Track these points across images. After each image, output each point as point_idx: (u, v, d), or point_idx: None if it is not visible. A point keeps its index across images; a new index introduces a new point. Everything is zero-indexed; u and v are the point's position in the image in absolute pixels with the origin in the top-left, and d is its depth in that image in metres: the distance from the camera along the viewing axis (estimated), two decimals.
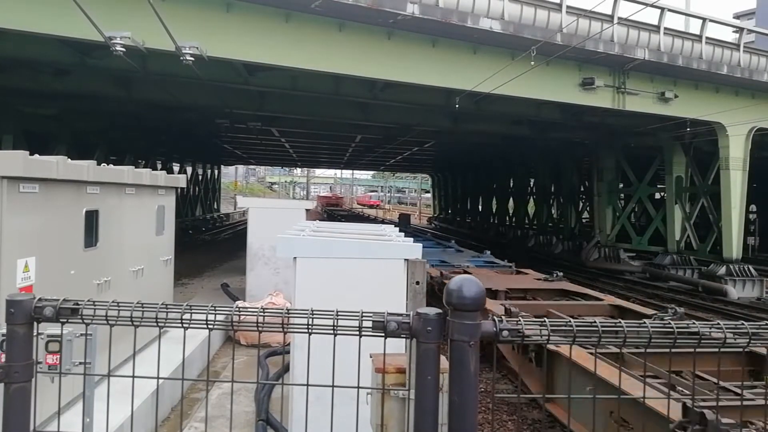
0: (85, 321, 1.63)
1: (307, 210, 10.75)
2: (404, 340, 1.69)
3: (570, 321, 1.68)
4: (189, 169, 34.28)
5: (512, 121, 18.99)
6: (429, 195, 64.96)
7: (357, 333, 1.61)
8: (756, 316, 13.33)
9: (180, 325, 1.62)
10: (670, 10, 14.35)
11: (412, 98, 14.97)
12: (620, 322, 1.69)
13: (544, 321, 1.66)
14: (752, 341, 1.73)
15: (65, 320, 1.64)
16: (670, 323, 1.79)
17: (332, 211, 51.43)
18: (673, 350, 1.79)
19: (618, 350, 4.86)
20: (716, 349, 1.75)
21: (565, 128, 19.31)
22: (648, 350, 1.84)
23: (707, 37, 14.89)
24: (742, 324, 1.74)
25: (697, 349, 1.77)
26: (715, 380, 4.35)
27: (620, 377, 2.98)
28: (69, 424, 3.89)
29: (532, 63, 11.44)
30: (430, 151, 31.25)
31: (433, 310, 1.62)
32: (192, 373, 6.60)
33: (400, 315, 1.64)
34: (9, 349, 1.58)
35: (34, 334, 1.62)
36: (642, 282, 18.49)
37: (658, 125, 16.73)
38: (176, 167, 32.16)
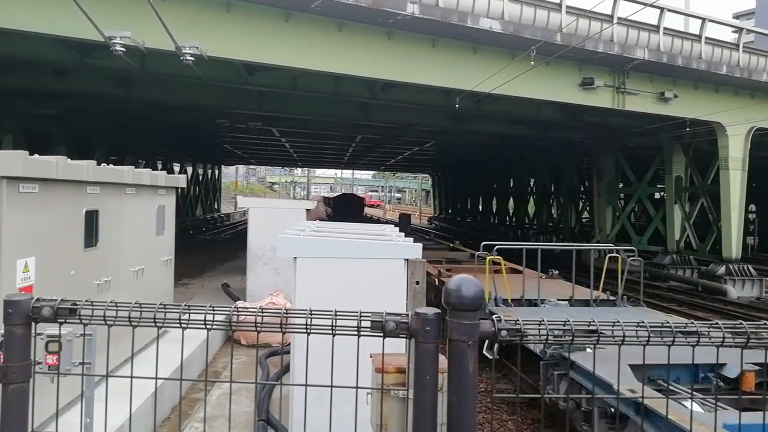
0: (83, 321, 1.63)
1: (307, 210, 10.75)
2: (405, 339, 1.69)
3: (568, 320, 1.68)
4: (189, 169, 34.29)
5: (512, 120, 18.99)
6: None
7: (356, 333, 1.60)
8: (755, 316, 13.32)
9: (178, 325, 1.62)
10: (669, 10, 14.35)
11: (412, 98, 14.97)
12: (618, 322, 1.69)
13: (543, 320, 1.66)
14: (750, 341, 1.73)
15: (63, 320, 1.64)
16: (668, 323, 1.79)
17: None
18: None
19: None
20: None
21: (565, 128, 19.31)
22: None
23: (707, 37, 14.89)
24: (741, 323, 1.74)
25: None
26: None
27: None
28: (69, 425, 3.89)
29: (532, 63, 11.44)
30: (430, 150, 31.25)
31: (431, 310, 1.62)
32: (193, 373, 6.60)
33: (399, 315, 1.64)
34: (7, 350, 1.57)
35: (33, 334, 1.62)
36: (643, 281, 18.46)
37: (657, 125, 16.72)
38: (176, 167, 32.17)
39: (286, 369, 6.05)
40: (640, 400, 3.66)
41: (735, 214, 16.56)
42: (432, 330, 1.60)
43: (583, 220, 28.22)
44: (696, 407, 3.83)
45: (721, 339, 1.73)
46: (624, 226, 21.60)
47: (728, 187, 16.53)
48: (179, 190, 8.97)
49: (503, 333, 1.63)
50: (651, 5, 12.91)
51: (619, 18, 13.06)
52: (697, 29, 15.06)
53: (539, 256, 8.67)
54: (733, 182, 16.53)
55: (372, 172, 79.68)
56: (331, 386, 1.69)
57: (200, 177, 36.73)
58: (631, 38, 13.71)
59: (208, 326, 1.62)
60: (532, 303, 7.91)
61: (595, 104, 14.47)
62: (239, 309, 1.67)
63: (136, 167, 6.69)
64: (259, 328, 1.64)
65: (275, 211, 10.30)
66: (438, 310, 1.63)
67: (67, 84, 13.70)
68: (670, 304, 14.97)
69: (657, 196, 23.23)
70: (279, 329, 1.64)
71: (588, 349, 4.65)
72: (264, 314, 1.63)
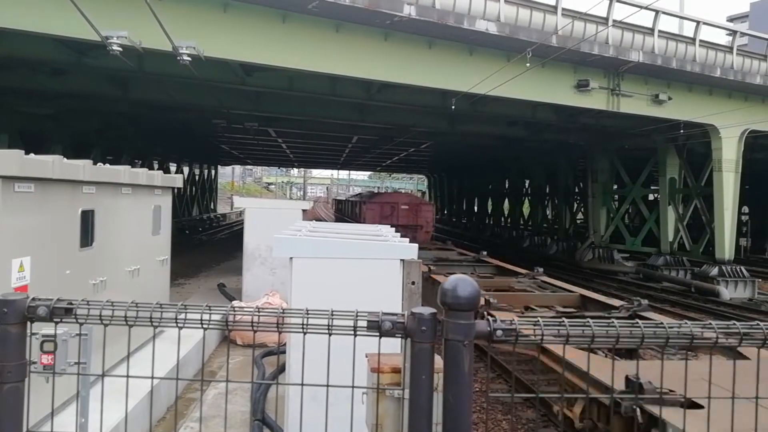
0: (79, 321, 1.63)
1: (303, 210, 10.74)
2: (400, 339, 1.70)
3: (564, 321, 1.69)
4: (186, 169, 34.22)
5: (508, 122, 19.05)
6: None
7: (352, 333, 1.61)
8: (748, 317, 13.41)
9: (174, 324, 1.62)
10: (664, 12, 14.44)
11: (408, 99, 14.99)
12: (613, 322, 1.71)
13: (538, 321, 1.67)
14: (743, 341, 1.75)
15: (59, 320, 1.64)
16: (662, 323, 1.81)
17: None
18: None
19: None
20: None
21: (560, 130, 19.39)
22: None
23: (701, 40, 14.99)
24: (734, 324, 1.76)
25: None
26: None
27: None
28: (65, 424, 3.88)
29: (528, 65, 11.49)
30: (426, 151, 31.29)
31: (427, 310, 1.63)
32: (189, 373, 6.59)
33: (395, 315, 1.65)
34: (2, 349, 1.57)
35: (28, 333, 1.62)
36: (635, 282, 18.58)
37: (652, 127, 16.82)
38: (173, 167, 32.08)
39: (281, 369, 6.05)
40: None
41: (728, 215, 16.67)
42: (428, 330, 1.61)
43: (578, 221, 28.35)
44: None
45: (715, 339, 1.75)
46: (618, 227, 21.71)
47: (721, 188, 16.64)
48: (175, 190, 8.95)
49: (498, 333, 1.64)
50: (646, 8, 12.99)
51: (614, 20, 13.13)
52: (691, 32, 15.16)
53: None
54: (727, 184, 16.64)
55: (368, 173, 79.65)
56: (327, 386, 1.69)
57: (196, 177, 36.65)
58: (626, 41, 13.79)
59: (204, 326, 1.63)
60: None
61: (590, 106, 14.54)
62: (235, 309, 1.67)
63: (132, 167, 6.67)
64: (255, 328, 1.64)
65: (272, 211, 10.29)
66: (434, 310, 1.64)
67: (63, 83, 13.65)
68: (663, 304, 15.05)
69: (651, 197, 23.35)
70: (275, 329, 1.64)
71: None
72: (260, 314, 1.64)
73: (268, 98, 16.07)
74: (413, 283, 3.76)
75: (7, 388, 1.57)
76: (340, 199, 36.47)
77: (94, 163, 5.38)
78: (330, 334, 1.61)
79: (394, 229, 5.36)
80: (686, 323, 1.83)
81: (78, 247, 5.03)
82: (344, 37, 11.26)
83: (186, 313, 1.63)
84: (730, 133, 16.43)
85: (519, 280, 10.46)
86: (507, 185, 33.43)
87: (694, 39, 14.91)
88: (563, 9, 12.63)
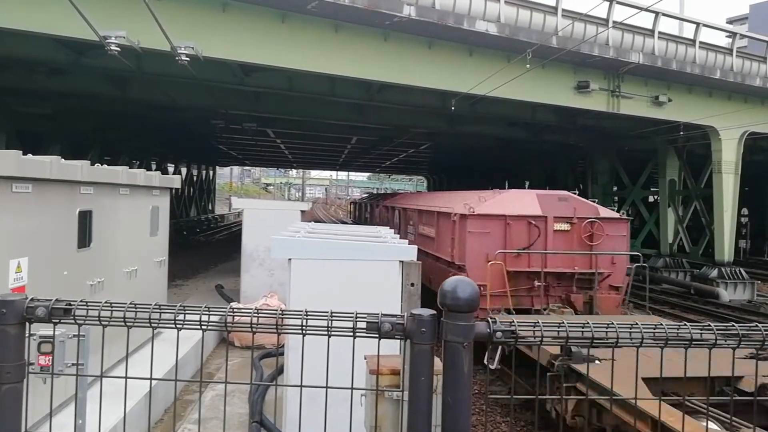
0: (78, 321, 1.62)
1: (302, 211, 10.74)
2: (399, 341, 1.69)
3: (563, 322, 1.69)
4: (184, 170, 34.18)
5: (508, 123, 19.06)
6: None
7: (351, 334, 1.61)
8: (747, 318, 13.42)
9: (173, 326, 1.61)
10: (664, 14, 14.45)
11: (408, 100, 14.99)
12: (612, 324, 1.70)
13: (537, 322, 1.66)
14: (742, 342, 1.75)
15: (57, 321, 1.63)
16: (661, 324, 1.80)
17: None
18: None
19: None
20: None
21: (560, 131, 19.41)
22: None
23: (701, 42, 15.01)
24: (732, 325, 1.76)
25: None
26: None
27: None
28: (62, 426, 3.87)
29: (528, 66, 11.49)
30: (425, 152, 31.29)
31: (427, 311, 1.62)
32: (186, 374, 6.57)
33: (395, 316, 1.64)
34: (1, 350, 1.57)
35: (27, 334, 1.61)
36: (635, 284, 18.57)
37: (652, 129, 16.84)
38: (171, 168, 32.05)
39: (280, 370, 6.04)
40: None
41: (728, 217, 16.68)
42: (427, 331, 1.60)
43: None
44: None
45: (713, 341, 1.75)
46: None
47: (721, 190, 16.66)
48: (173, 191, 8.94)
49: (498, 334, 1.64)
50: (646, 9, 13.00)
51: (614, 22, 13.15)
52: (691, 34, 15.19)
53: None
54: (726, 186, 16.66)
55: (367, 174, 79.61)
56: (326, 387, 1.69)
57: (194, 178, 36.62)
58: (626, 42, 13.80)
59: (203, 327, 1.62)
60: None
61: (590, 107, 14.55)
62: (234, 310, 1.66)
63: (130, 167, 6.66)
64: (254, 329, 1.64)
65: (270, 212, 10.29)
66: (433, 311, 1.64)
67: (61, 83, 13.63)
68: (662, 306, 15.06)
69: (651, 199, 23.35)
70: (274, 330, 1.64)
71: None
72: (259, 315, 1.63)
73: (267, 98, 16.06)
74: (412, 284, 3.76)
75: (6, 389, 1.56)
76: (388, 204, 17.85)
77: (92, 164, 5.38)
78: (329, 336, 1.61)
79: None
80: (685, 325, 1.82)
81: (75, 248, 5.02)
82: (344, 37, 11.26)
83: (185, 314, 1.62)
84: (729, 134, 16.45)
85: None
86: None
87: (694, 41, 14.93)
88: (563, 10, 12.64)
